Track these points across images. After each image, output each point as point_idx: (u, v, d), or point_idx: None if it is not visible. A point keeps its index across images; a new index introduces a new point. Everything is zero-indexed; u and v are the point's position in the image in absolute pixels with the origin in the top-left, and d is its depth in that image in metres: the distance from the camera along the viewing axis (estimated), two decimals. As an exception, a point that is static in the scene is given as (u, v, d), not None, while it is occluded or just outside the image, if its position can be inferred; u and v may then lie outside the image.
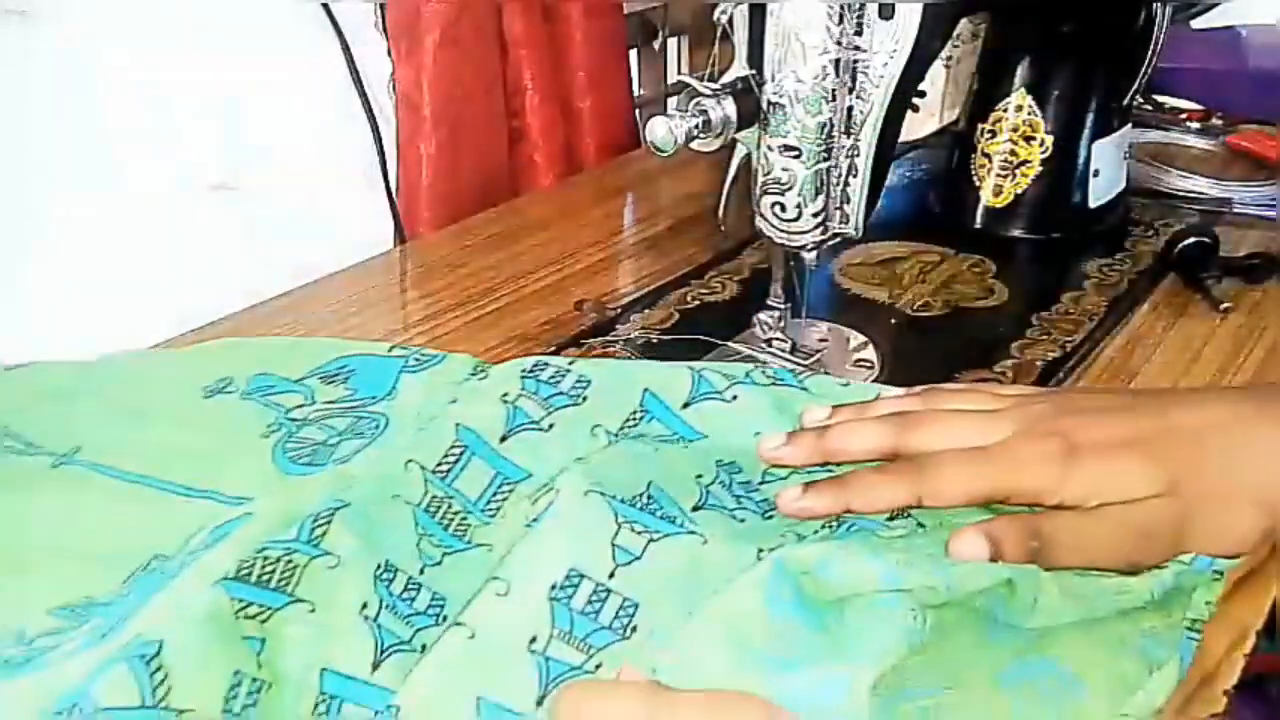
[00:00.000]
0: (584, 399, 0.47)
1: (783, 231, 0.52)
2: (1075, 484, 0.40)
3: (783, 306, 0.57)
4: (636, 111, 0.97)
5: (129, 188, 0.76)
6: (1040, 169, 0.71)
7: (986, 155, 0.72)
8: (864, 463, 0.44)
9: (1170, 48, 0.73)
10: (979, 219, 0.73)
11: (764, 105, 0.50)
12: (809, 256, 0.54)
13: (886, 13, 0.48)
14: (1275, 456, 0.40)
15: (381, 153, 0.78)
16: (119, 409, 0.52)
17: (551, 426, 0.46)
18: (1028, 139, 0.70)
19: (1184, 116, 0.94)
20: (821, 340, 0.59)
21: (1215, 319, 0.62)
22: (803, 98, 0.48)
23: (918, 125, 0.72)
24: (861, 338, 0.60)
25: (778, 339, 0.57)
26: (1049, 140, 0.70)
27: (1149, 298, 0.65)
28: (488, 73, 0.81)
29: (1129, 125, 0.74)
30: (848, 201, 0.52)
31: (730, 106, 0.49)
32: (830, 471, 0.43)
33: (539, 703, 0.35)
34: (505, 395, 0.47)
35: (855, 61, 0.49)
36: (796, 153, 0.50)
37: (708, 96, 0.49)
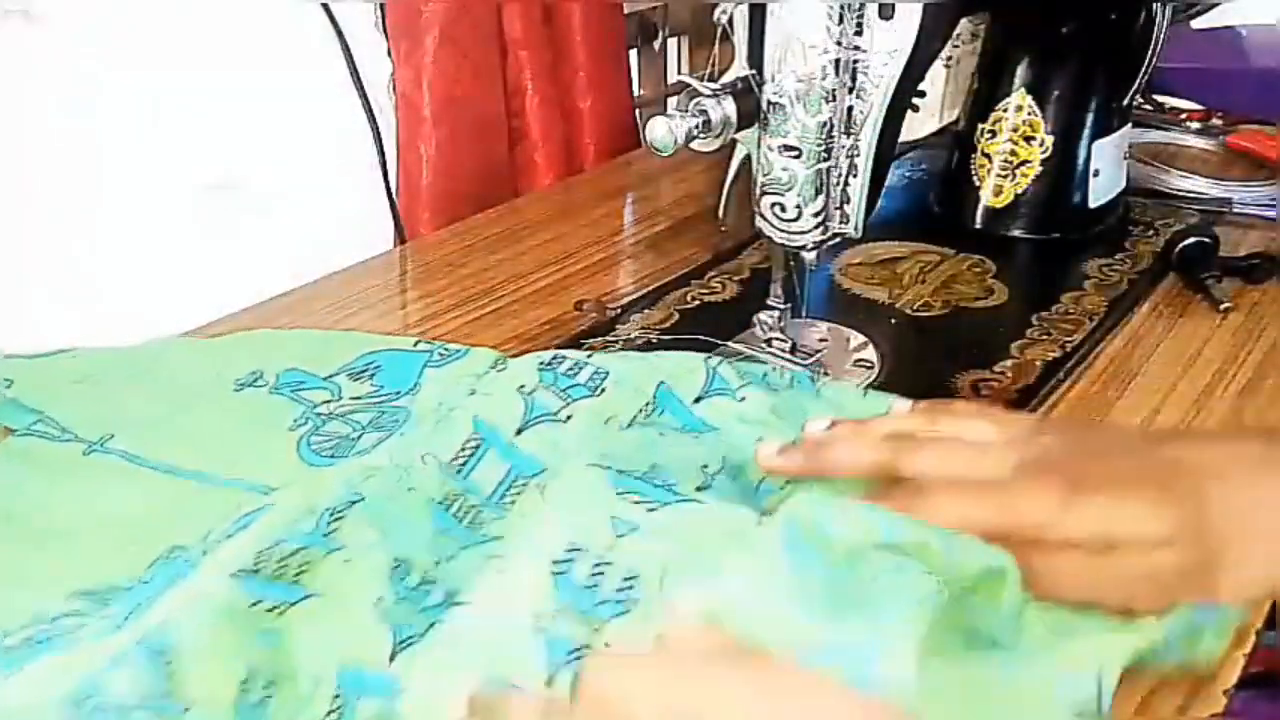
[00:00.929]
0: (601, 390, 0.48)
1: (783, 231, 0.52)
2: (1077, 520, 0.38)
3: (783, 306, 0.57)
4: (636, 111, 0.97)
5: (129, 187, 0.76)
6: (1040, 169, 0.71)
7: (986, 155, 0.72)
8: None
9: (1170, 48, 0.73)
10: (979, 219, 0.73)
11: (764, 105, 0.50)
12: (809, 256, 0.54)
13: (886, 13, 0.48)
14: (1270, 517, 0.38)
15: (381, 153, 0.78)
16: (153, 397, 0.53)
17: (569, 419, 0.47)
18: (1028, 139, 0.70)
19: (1184, 116, 0.94)
20: (821, 340, 0.59)
21: (1215, 319, 0.62)
22: (803, 98, 0.48)
23: (918, 125, 0.72)
24: (861, 338, 0.60)
25: (778, 339, 0.57)
26: (1049, 140, 0.70)
27: (1149, 298, 0.65)
28: (488, 73, 0.81)
29: (1129, 125, 0.74)
30: (848, 201, 0.52)
31: (730, 106, 0.49)
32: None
33: (548, 682, 0.34)
34: (523, 387, 0.47)
35: (855, 61, 0.49)
36: (796, 153, 0.50)
37: (708, 96, 0.49)
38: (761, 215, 0.53)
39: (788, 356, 0.57)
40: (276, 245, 0.78)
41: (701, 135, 0.49)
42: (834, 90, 0.48)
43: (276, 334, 0.59)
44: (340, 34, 0.72)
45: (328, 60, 0.73)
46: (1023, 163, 0.71)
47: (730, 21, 0.50)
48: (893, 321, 0.63)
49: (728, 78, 0.50)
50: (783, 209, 0.51)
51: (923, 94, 0.71)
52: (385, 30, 0.78)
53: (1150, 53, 0.71)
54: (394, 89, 0.79)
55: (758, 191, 0.52)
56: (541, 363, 0.48)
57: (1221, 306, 0.63)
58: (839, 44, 0.47)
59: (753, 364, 0.50)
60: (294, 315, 0.63)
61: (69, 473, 0.49)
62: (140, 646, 0.34)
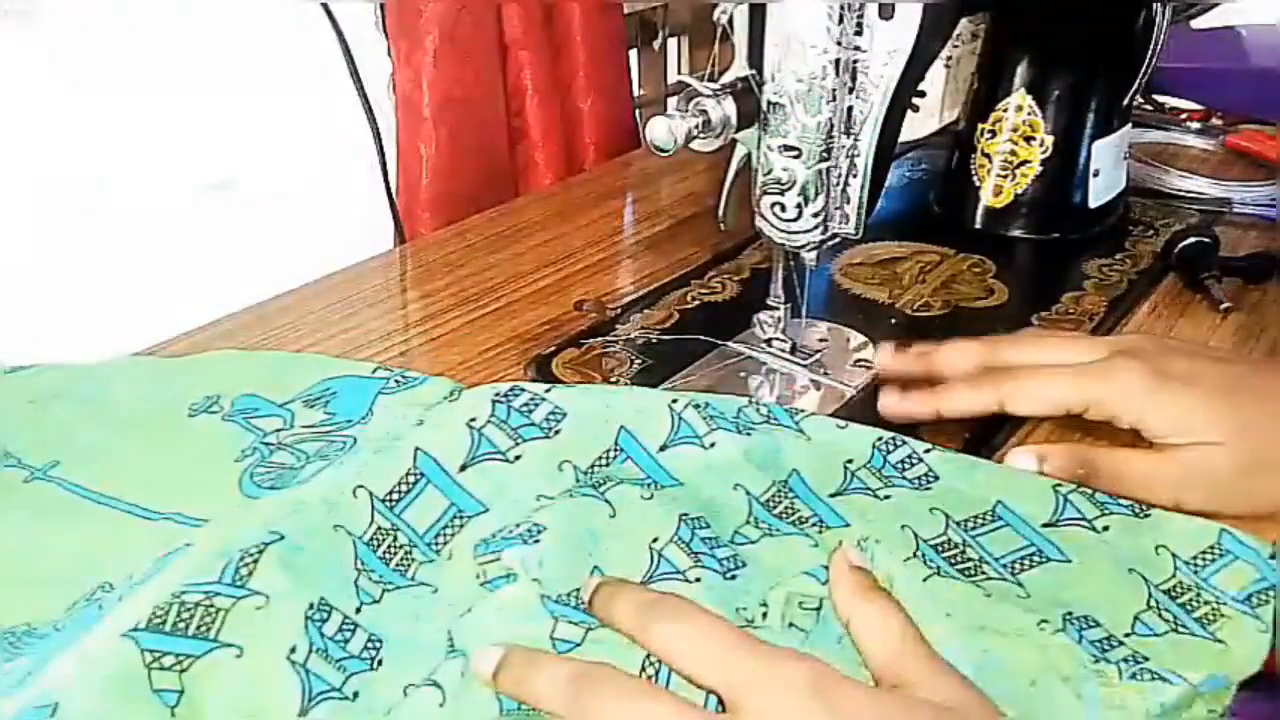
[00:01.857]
0: (556, 432, 0.46)
1: (783, 231, 0.52)
2: (1154, 412, 0.44)
3: (783, 306, 0.57)
4: (636, 111, 0.97)
5: (129, 188, 0.76)
6: (1040, 169, 0.71)
7: (986, 155, 0.72)
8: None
9: (1170, 48, 0.73)
10: (979, 219, 0.73)
11: (764, 105, 0.50)
12: (809, 256, 0.54)
13: (886, 13, 0.48)
14: None
15: (381, 153, 0.78)
16: (104, 423, 0.52)
17: (518, 459, 0.45)
18: (1028, 139, 0.70)
19: (1184, 116, 0.94)
20: (821, 340, 0.59)
21: (1215, 319, 0.62)
22: (803, 98, 0.48)
23: (918, 125, 0.72)
24: (861, 338, 0.60)
25: (778, 339, 0.57)
26: (1049, 140, 0.70)
27: (1149, 298, 0.65)
28: (488, 73, 0.81)
29: (1129, 125, 0.74)
30: (848, 201, 0.52)
31: (730, 106, 0.49)
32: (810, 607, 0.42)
33: None
34: (472, 421, 0.45)
35: (855, 61, 0.49)
36: (796, 153, 0.50)
37: (708, 96, 0.49)
38: (761, 215, 0.53)
39: (788, 356, 0.57)
40: (276, 245, 0.78)
41: (701, 135, 0.49)
42: (834, 90, 0.48)
43: (237, 356, 0.57)
44: (340, 34, 0.72)
45: (328, 60, 0.73)
46: (1023, 163, 0.71)
47: (730, 21, 0.50)
48: (893, 321, 0.63)
49: (728, 78, 0.50)
50: (783, 209, 0.51)
51: (923, 94, 0.71)
52: (385, 30, 0.78)
53: (1150, 53, 0.71)
54: (394, 89, 0.79)
55: (758, 191, 0.52)
56: (497, 395, 0.46)
57: (1221, 306, 0.63)
58: (839, 44, 0.47)
59: (723, 400, 0.48)
60: (294, 315, 0.63)
61: (5, 501, 0.47)
62: (23, 715, 0.33)
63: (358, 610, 0.39)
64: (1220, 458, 0.43)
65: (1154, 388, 0.44)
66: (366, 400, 0.52)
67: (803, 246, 0.53)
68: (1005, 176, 0.71)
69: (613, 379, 0.56)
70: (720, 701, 0.35)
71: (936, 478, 0.45)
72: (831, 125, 0.49)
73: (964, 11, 0.66)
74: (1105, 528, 0.43)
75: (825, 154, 0.50)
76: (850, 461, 0.46)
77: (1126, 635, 0.40)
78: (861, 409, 0.53)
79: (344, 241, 0.75)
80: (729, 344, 0.59)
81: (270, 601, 0.37)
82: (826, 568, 0.41)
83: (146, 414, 0.52)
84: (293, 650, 0.36)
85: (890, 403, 0.50)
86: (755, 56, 0.49)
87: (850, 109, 0.50)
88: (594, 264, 0.70)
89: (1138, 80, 0.71)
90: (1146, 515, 0.43)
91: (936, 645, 0.38)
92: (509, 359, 0.59)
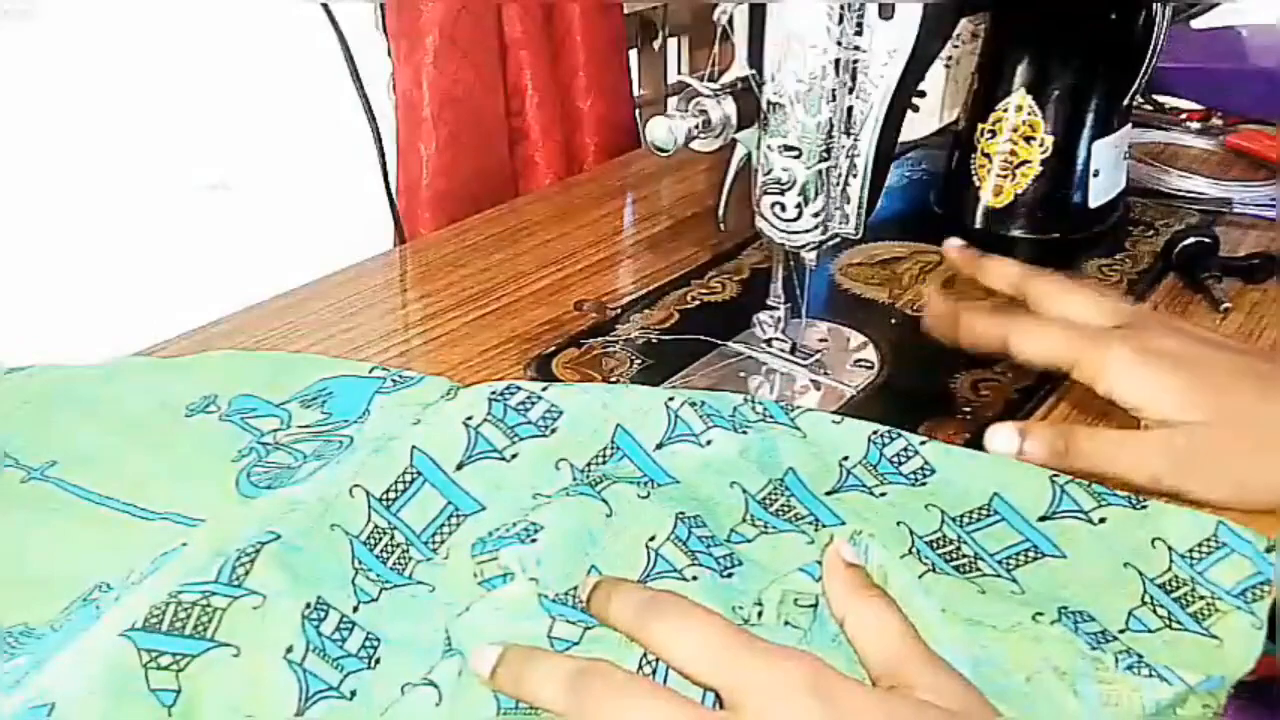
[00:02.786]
0: (552, 431, 0.46)
1: (783, 231, 0.52)
2: (1128, 385, 0.46)
3: (783, 306, 0.57)
4: (636, 111, 0.97)
5: (129, 188, 0.76)
6: (1040, 169, 0.71)
7: (986, 155, 0.72)
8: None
9: (1170, 48, 0.73)
10: (979, 219, 0.73)
11: (764, 105, 0.50)
12: (809, 256, 0.54)
13: (886, 13, 0.48)
14: None
15: (381, 153, 0.78)
16: (100, 423, 0.52)
17: (515, 457, 0.45)
18: (1028, 139, 0.70)
19: (1184, 116, 0.94)
20: (821, 340, 0.59)
21: (1215, 319, 0.62)
22: (803, 98, 0.48)
23: (918, 125, 0.72)
24: (861, 338, 0.60)
25: (778, 339, 0.57)
26: (1049, 140, 0.70)
27: (1149, 298, 0.65)
28: (488, 73, 0.81)
29: (1129, 125, 0.74)
30: (848, 201, 0.52)
31: (730, 106, 0.49)
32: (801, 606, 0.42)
33: None
34: (469, 419, 0.45)
35: (855, 61, 0.49)
36: (796, 153, 0.50)
37: (708, 96, 0.49)
38: (761, 215, 0.53)
39: (788, 356, 0.57)
40: (276, 245, 0.78)
41: (701, 135, 0.49)
42: (834, 90, 0.48)
43: (234, 356, 0.57)
44: (340, 34, 0.72)
45: (328, 60, 0.73)
46: (1023, 163, 0.71)
47: (730, 21, 0.50)
48: (893, 321, 0.63)
49: (728, 78, 0.50)
50: (783, 209, 0.51)
51: (923, 94, 0.71)
52: (385, 30, 0.78)
53: (1150, 53, 0.71)
54: (394, 89, 0.79)
55: (758, 191, 0.52)
56: (493, 393, 0.46)
57: (1221, 306, 0.63)
58: (839, 44, 0.47)
59: (719, 398, 0.48)
60: (294, 315, 0.63)
61: (3, 501, 0.47)
62: (19, 716, 0.33)
63: (355, 609, 0.39)
64: (1199, 439, 0.44)
65: (1136, 362, 0.46)
66: (363, 400, 0.52)
67: (803, 246, 0.53)
68: (1005, 176, 0.71)
69: (613, 379, 0.56)
70: (718, 699, 0.35)
71: (933, 471, 0.45)
72: (831, 125, 0.49)
73: (964, 11, 0.66)
74: (1102, 520, 0.43)
75: (825, 154, 0.50)
76: (846, 459, 0.46)
77: (1121, 631, 0.40)
78: (861, 409, 0.53)
79: (344, 241, 0.75)
80: (729, 344, 0.59)
81: (267, 601, 0.37)
82: (821, 564, 0.41)
83: (144, 414, 0.52)
84: (290, 649, 0.36)
85: (933, 304, 0.53)
86: (755, 56, 0.49)
87: (850, 109, 0.50)
88: (594, 264, 0.70)
89: (1138, 80, 0.71)
90: (1143, 507, 0.43)
91: (931, 641, 0.37)
92: (509, 359, 0.59)
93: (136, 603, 0.36)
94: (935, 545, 0.43)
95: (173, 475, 0.48)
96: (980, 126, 0.72)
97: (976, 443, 0.50)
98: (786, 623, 0.40)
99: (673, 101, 0.50)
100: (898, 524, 0.44)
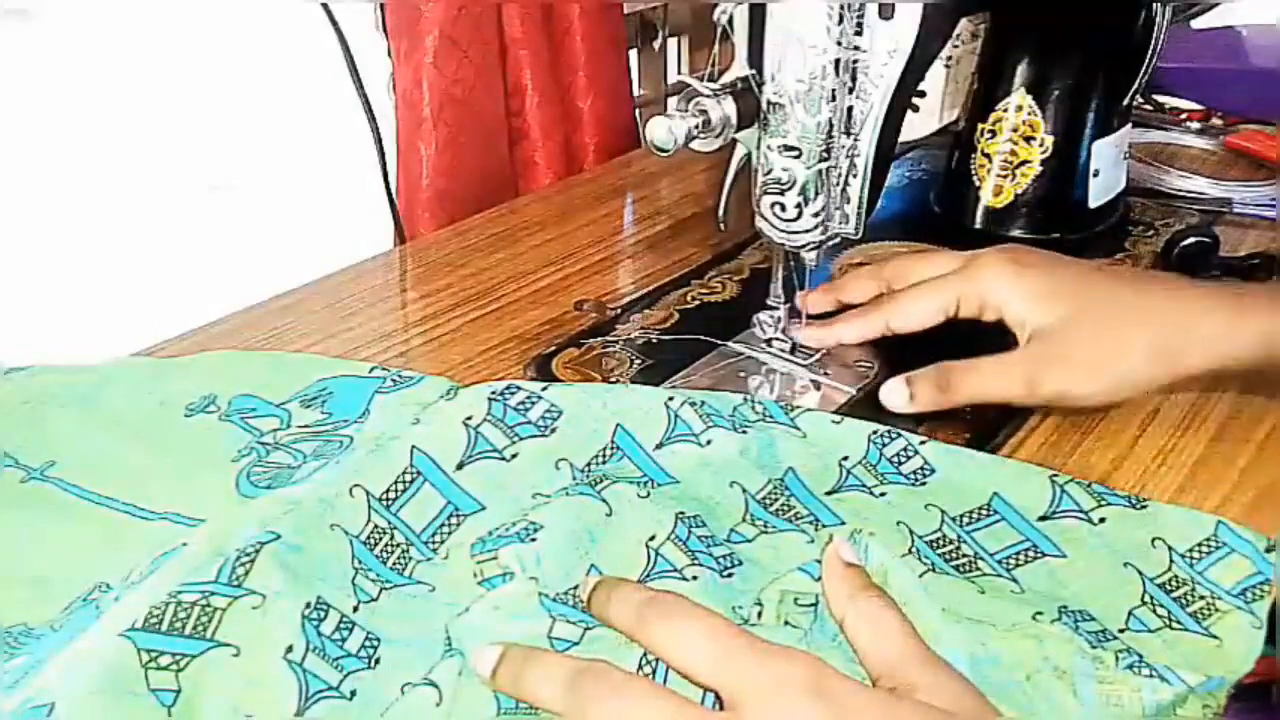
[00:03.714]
0: (552, 430, 0.46)
1: (783, 231, 0.52)
2: (1015, 296, 0.49)
3: (783, 306, 0.57)
4: (636, 111, 0.97)
5: (128, 188, 0.76)
6: (1040, 169, 0.71)
7: (986, 155, 0.72)
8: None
9: (1170, 48, 0.73)
10: (979, 219, 0.73)
11: (764, 105, 0.50)
12: (809, 256, 0.54)
13: (886, 13, 0.48)
14: (1169, 316, 0.47)
15: (381, 153, 0.78)
16: (100, 422, 0.52)
17: (514, 457, 0.45)
18: (1028, 139, 0.70)
19: (1184, 116, 0.94)
20: (821, 340, 0.59)
21: (1215, 319, 0.62)
22: (803, 98, 0.48)
23: (918, 125, 0.72)
24: (861, 338, 0.60)
25: (778, 339, 0.57)
26: (1049, 140, 0.70)
27: (1149, 298, 0.65)
28: (488, 73, 0.81)
29: (1129, 125, 0.74)
30: (848, 201, 0.52)
31: (730, 106, 0.49)
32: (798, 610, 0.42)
33: None
34: (469, 419, 0.45)
35: (855, 61, 0.49)
36: (796, 153, 0.50)
37: (708, 96, 0.49)
38: (761, 215, 0.53)
39: (788, 356, 0.57)
40: (276, 245, 0.78)
41: (701, 135, 0.49)
42: (834, 90, 0.48)
43: (234, 356, 0.57)
44: (340, 34, 0.72)
45: (328, 60, 0.73)
46: (1023, 163, 0.71)
47: (730, 21, 0.50)
48: (893, 321, 0.63)
49: (728, 78, 0.50)
50: (783, 209, 0.51)
51: (923, 94, 0.71)
52: (385, 30, 0.78)
53: (1150, 53, 0.71)
54: (394, 89, 0.79)
55: (758, 191, 0.52)
56: (493, 393, 0.46)
57: (1221, 306, 0.63)
58: (839, 44, 0.47)
59: (719, 398, 0.48)
60: (294, 315, 0.63)
61: (3, 501, 0.47)
62: (17, 716, 0.33)
63: (355, 609, 0.39)
64: (1063, 338, 0.48)
65: (1014, 274, 0.50)
66: (363, 400, 0.52)
67: (803, 246, 0.53)
68: (1005, 176, 0.71)
69: (613, 379, 0.56)
70: (718, 699, 0.35)
71: (933, 471, 0.45)
72: (831, 125, 0.49)
73: (964, 11, 0.66)
74: (1102, 519, 0.43)
75: (825, 154, 0.50)
76: (846, 459, 0.46)
77: (1121, 631, 0.40)
78: (861, 409, 0.53)
79: (344, 241, 0.75)
80: (729, 344, 0.59)
81: (267, 601, 0.37)
82: (821, 563, 0.41)
83: (143, 414, 0.52)
84: (290, 649, 0.36)
85: (807, 335, 0.56)
86: (755, 56, 0.49)
87: (850, 109, 0.50)
88: (594, 264, 0.70)
89: (1138, 80, 0.71)
90: (1143, 507, 0.43)
91: (931, 641, 0.37)
92: (509, 359, 0.59)
93: (136, 603, 0.36)
94: (935, 545, 0.43)
95: (172, 475, 0.48)
96: (980, 126, 0.72)
97: (976, 443, 0.50)
98: (786, 623, 0.40)
99: (673, 101, 0.50)
100: (898, 524, 0.44)
